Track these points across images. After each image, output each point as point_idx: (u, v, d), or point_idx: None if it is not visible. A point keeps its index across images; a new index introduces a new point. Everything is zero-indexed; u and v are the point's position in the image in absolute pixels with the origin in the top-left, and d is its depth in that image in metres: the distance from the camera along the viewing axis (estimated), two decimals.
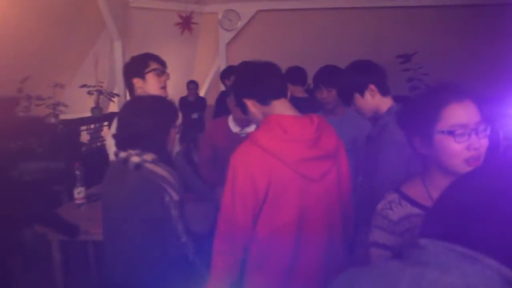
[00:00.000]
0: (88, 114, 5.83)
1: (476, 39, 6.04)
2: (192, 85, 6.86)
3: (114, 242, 1.72)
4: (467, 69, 5.98)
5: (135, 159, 1.65)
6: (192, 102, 6.91)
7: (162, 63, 2.39)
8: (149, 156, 1.67)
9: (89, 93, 5.66)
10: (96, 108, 5.79)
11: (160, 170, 1.66)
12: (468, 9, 6.12)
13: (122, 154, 1.68)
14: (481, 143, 1.14)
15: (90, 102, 5.83)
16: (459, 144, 1.13)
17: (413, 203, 1.21)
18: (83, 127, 5.62)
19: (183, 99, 6.85)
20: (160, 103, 1.78)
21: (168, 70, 2.44)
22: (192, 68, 7.70)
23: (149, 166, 1.66)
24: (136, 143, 1.68)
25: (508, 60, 5.32)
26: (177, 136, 2.52)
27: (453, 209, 0.68)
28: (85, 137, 5.66)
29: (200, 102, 7.01)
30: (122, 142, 1.71)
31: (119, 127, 1.75)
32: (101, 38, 6.29)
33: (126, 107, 1.81)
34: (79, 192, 2.87)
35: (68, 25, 5.35)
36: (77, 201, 2.87)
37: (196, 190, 2.72)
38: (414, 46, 5.98)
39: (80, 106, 5.92)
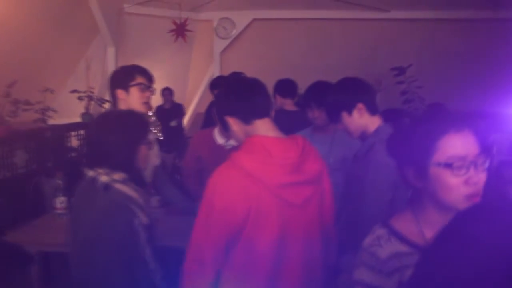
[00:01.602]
0: (78, 120, 5.77)
1: (470, 53, 6.04)
2: (167, 91, 6.73)
3: (81, 263, 1.65)
4: (461, 83, 5.97)
5: (103, 178, 1.58)
6: (169, 109, 6.81)
7: (149, 78, 2.34)
8: (118, 176, 1.59)
9: (80, 98, 5.60)
10: (86, 114, 5.72)
11: (129, 191, 1.59)
12: (463, 23, 6.12)
13: (91, 173, 1.61)
14: (480, 177, 1.04)
15: (81, 108, 5.77)
16: (457, 178, 1.04)
17: (403, 240, 1.11)
18: (73, 133, 5.56)
19: (159, 108, 6.75)
20: (128, 118, 1.70)
21: (157, 82, 2.39)
22: (186, 75, 7.65)
23: (119, 186, 1.58)
24: (103, 161, 1.61)
25: (502, 74, 5.31)
26: (156, 148, 2.47)
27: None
28: (75, 142, 5.60)
29: (177, 109, 6.90)
30: (89, 160, 1.64)
31: (86, 145, 1.69)
32: (94, 44, 6.23)
33: (93, 124, 1.74)
34: (60, 202, 2.80)
35: (61, 30, 5.29)
36: (58, 211, 2.79)
37: (178, 204, 2.66)
38: (409, 59, 5.97)
39: (70, 112, 5.86)
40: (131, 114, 1.76)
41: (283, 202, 1.44)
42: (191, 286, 1.50)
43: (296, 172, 1.47)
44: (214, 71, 6.99)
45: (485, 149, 1.05)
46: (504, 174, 4.03)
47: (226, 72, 4.88)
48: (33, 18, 4.66)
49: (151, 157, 1.97)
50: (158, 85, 2.45)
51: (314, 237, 1.55)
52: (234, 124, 1.54)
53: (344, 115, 1.82)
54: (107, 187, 1.57)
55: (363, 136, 1.83)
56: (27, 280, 2.66)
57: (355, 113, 1.80)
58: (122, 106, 2.26)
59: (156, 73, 2.58)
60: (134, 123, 1.69)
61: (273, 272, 1.48)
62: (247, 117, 1.51)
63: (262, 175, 1.42)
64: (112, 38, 5.83)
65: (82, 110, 5.76)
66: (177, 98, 6.97)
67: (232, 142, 2.67)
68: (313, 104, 2.50)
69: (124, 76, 2.30)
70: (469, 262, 0.58)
